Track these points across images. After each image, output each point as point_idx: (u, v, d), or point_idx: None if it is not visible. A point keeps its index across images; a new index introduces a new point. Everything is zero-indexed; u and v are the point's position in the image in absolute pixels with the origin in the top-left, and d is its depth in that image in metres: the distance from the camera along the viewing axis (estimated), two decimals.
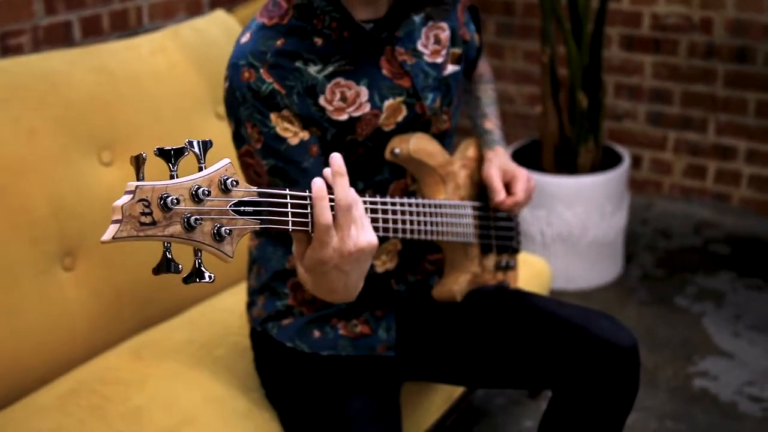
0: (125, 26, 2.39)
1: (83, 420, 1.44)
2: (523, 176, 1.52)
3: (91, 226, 1.66)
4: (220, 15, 2.11)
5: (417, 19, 1.41)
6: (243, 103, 1.29)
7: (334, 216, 1.03)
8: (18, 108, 1.60)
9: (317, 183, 1.00)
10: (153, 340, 1.67)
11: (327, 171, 1.04)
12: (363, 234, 1.06)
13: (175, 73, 1.89)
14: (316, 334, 1.47)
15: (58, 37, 2.22)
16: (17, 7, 2.11)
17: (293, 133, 1.30)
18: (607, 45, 3.33)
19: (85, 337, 1.64)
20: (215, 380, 1.54)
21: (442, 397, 1.73)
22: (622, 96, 3.39)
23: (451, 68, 1.45)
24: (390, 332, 1.48)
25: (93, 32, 2.30)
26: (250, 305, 1.54)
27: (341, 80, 1.33)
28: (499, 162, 1.52)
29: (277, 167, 1.30)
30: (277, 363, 1.50)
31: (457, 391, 1.79)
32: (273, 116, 1.29)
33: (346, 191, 1.03)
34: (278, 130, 1.30)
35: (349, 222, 1.04)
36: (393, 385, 1.49)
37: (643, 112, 3.37)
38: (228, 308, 1.78)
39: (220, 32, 2.03)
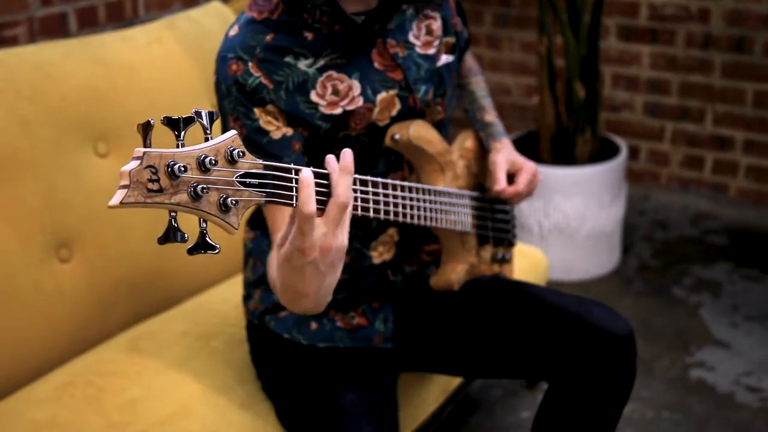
0: (121, 17, 2.38)
1: (79, 411, 1.44)
2: (529, 168, 1.51)
3: (87, 218, 1.65)
4: (215, 6, 2.11)
5: (409, 10, 1.40)
6: (227, 96, 1.29)
7: (327, 210, 1.01)
8: (13, 99, 1.60)
9: (305, 171, 0.98)
10: (149, 331, 1.67)
11: (332, 161, 1.02)
12: (343, 236, 1.04)
13: (171, 64, 1.88)
14: (313, 325, 1.46)
15: (54, 29, 2.21)
16: None
17: (276, 127, 1.29)
18: (605, 35, 3.32)
19: (81, 328, 1.64)
20: (211, 372, 1.54)
21: (439, 387, 1.73)
22: (620, 86, 3.38)
23: (444, 58, 1.44)
24: (387, 324, 1.48)
25: (88, 23, 2.29)
26: (247, 298, 1.54)
27: (333, 73, 1.32)
28: (507, 153, 1.52)
29: None
30: (274, 355, 1.50)
31: (454, 381, 1.79)
32: (257, 110, 1.28)
33: (348, 190, 1.01)
34: (261, 123, 1.28)
35: (339, 220, 1.01)
36: (390, 377, 1.49)
37: (640, 102, 3.37)
38: (224, 300, 1.78)
39: (215, 23, 2.03)
